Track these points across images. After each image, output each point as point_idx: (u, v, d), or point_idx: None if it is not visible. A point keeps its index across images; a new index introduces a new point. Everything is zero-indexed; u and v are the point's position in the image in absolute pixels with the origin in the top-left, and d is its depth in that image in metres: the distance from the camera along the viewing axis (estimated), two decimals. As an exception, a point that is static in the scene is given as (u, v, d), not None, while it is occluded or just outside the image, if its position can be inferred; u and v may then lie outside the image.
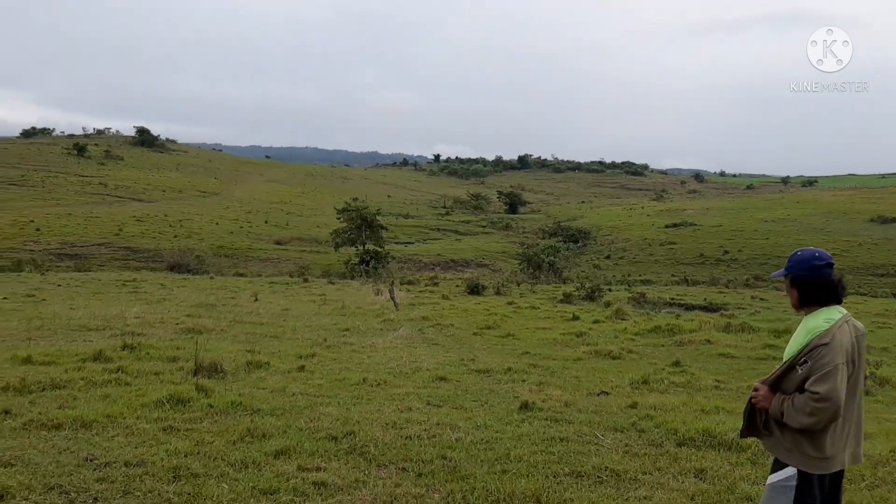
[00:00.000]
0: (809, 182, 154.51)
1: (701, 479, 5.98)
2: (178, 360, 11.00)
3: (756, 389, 3.94)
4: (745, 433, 4.05)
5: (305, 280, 38.53)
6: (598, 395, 9.48)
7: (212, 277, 39.67)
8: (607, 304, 26.91)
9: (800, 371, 3.72)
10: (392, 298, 23.58)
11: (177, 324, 16.71)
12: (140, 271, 46.37)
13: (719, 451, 6.69)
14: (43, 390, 8.42)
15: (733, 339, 16.19)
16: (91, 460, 5.98)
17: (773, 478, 3.86)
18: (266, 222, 76.27)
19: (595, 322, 20.82)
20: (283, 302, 25.44)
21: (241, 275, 46.34)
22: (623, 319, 21.88)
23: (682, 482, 5.87)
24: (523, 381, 10.40)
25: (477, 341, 15.89)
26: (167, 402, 7.78)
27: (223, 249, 59.49)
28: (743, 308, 29.72)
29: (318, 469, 5.89)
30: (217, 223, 72.16)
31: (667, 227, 76.82)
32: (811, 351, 3.70)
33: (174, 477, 5.62)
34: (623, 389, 9.96)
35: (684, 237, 71.74)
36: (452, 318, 20.33)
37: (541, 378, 10.74)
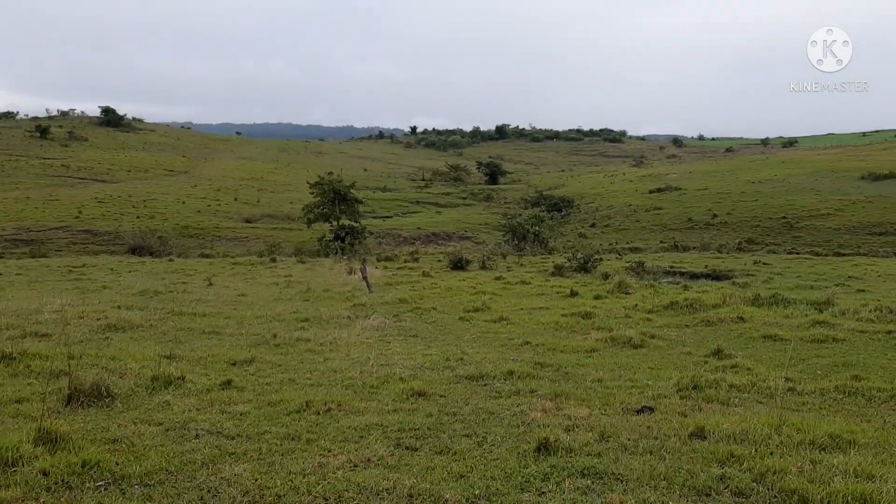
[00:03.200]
0: (790, 143, 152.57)
1: None
2: (64, 377, 8.07)
3: None
4: None
5: (273, 260, 35.48)
6: (640, 412, 6.71)
7: (171, 260, 36.54)
8: (605, 276, 24.21)
9: None
10: (364, 278, 20.67)
11: (98, 319, 13.77)
12: (98, 255, 43.26)
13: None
14: None
15: (770, 315, 13.47)
16: None
17: None
18: (236, 199, 72.78)
19: (597, 298, 18.08)
20: (241, 286, 22.50)
21: (206, 256, 43.20)
22: (627, 293, 19.18)
23: None
24: (531, 391, 7.57)
25: (464, 329, 13.06)
26: (-19, 467, 4.89)
27: (188, 229, 56.19)
28: (752, 275, 27.18)
29: None
30: (183, 202, 68.56)
31: (651, 192, 74.36)
32: None
33: None
34: (670, 401, 7.19)
35: (670, 202, 69.27)
36: (434, 300, 17.48)
37: (553, 385, 7.93)
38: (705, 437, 5.73)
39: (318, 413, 6.57)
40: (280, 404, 6.92)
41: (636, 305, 15.75)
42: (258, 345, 10.95)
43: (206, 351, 10.20)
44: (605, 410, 6.75)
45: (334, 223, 51.12)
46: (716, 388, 7.64)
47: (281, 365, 9.22)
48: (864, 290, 20.86)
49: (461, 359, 9.53)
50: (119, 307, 15.84)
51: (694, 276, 27.83)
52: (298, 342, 11.15)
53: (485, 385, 7.95)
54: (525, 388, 7.69)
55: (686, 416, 6.49)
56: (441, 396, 7.34)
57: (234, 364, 9.26)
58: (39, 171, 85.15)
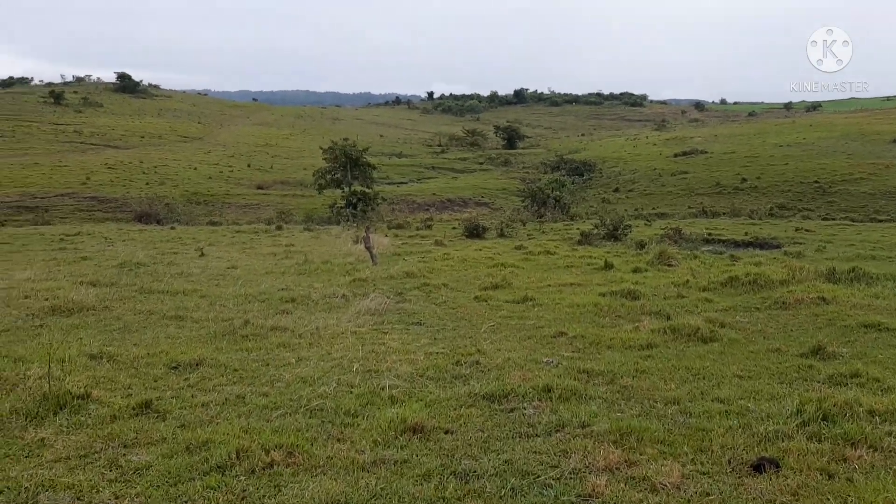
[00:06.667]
0: (813, 107, 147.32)
1: None
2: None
3: None
4: None
5: (279, 228, 33.25)
6: (758, 468, 4.31)
7: (173, 228, 34.45)
8: (641, 245, 21.63)
9: None
10: (367, 248, 18.28)
11: (46, 299, 11.53)
12: (103, 223, 41.36)
13: None
14: None
15: (856, 295, 10.90)
16: None
17: None
18: (248, 166, 70.50)
19: (636, 271, 15.58)
20: (235, 256, 20.26)
21: (214, 223, 41.14)
22: (670, 266, 16.69)
23: None
24: (582, 425, 5.15)
25: (480, 312, 10.61)
26: None
27: (198, 196, 54.03)
28: (799, 243, 24.51)
29: None
30: (195, 168, 66.34)
31: (675, 156, 71.11)
32: None
33: None
34: (797, 444, 4.74)
35: (696, 166, 66.12)
36: (446, 274, 15.08)
37: (612, 412, 5.49)
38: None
39: (253, 471, 4.21)
40: (202, 450, 4.57)
41: (687, 282, 13.22)
42: (222, 335, 8.63)
43: (150, 347, 7.89)
44: (703, 465, 4.34)
45: (346, 189, 48.84)
46: (852, 417, 5.19)
47: (237, 370, 6.89)
48: (940, 262, 18.24)
49: (477, 361, 7.12)
50: (81, 283, 13.61)
51: (737, 245, 25.18)
52: (273, 332, 8.81)
53: (511, 411, 5.52)
54: (572, 419, 5.24)
55: (834, 479, 4.09)
56: (446, 433, 4.96)
57: (175, 367, 6.94)
58: (51, 137, 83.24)
